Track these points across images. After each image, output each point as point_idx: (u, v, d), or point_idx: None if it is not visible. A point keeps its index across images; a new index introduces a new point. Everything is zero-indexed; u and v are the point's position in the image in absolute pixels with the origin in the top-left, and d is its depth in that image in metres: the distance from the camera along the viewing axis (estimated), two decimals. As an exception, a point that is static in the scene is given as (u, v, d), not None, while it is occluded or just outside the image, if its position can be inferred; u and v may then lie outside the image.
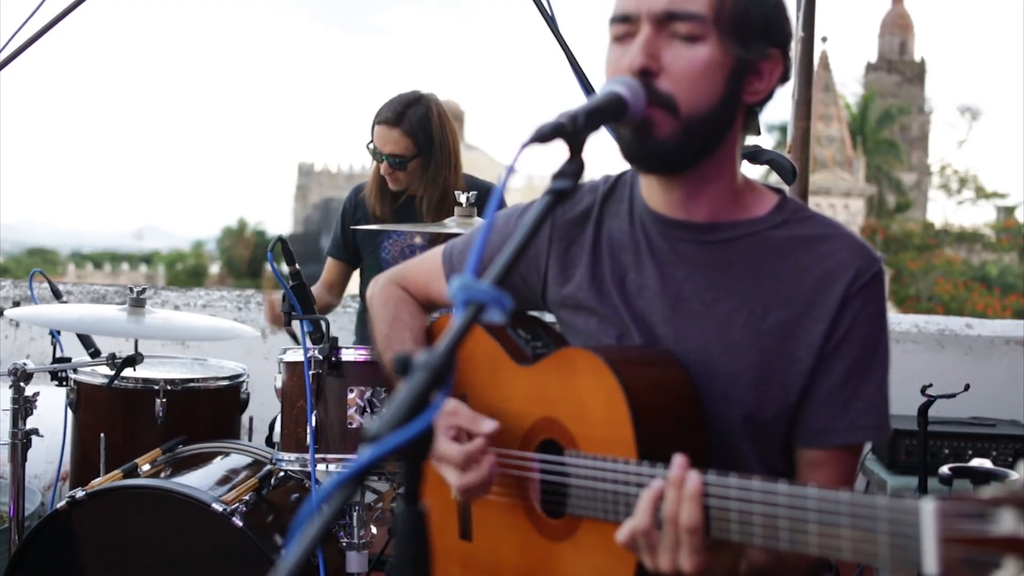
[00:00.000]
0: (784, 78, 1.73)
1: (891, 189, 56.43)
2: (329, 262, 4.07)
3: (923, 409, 3.72)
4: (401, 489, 1.21)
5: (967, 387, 3.78)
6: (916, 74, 64.32)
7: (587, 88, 3.12)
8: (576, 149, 1.49)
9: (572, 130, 1.46)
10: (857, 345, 1.69)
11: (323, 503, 1.04)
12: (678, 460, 1.48)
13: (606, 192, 1.88)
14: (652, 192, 1.79)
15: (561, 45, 3.21)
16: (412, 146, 3.74)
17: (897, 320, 5.33)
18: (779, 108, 1.80)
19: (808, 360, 1.69)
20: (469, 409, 1.81)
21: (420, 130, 3.75)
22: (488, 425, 1.75)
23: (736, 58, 1.64)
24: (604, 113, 1.53)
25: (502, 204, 2.50)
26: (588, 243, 1.86)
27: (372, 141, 3.80)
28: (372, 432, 1.10)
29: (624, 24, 1.66)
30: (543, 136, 1.44)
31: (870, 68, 64.06)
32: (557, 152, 1.50)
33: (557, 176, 1.48)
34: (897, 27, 65.22)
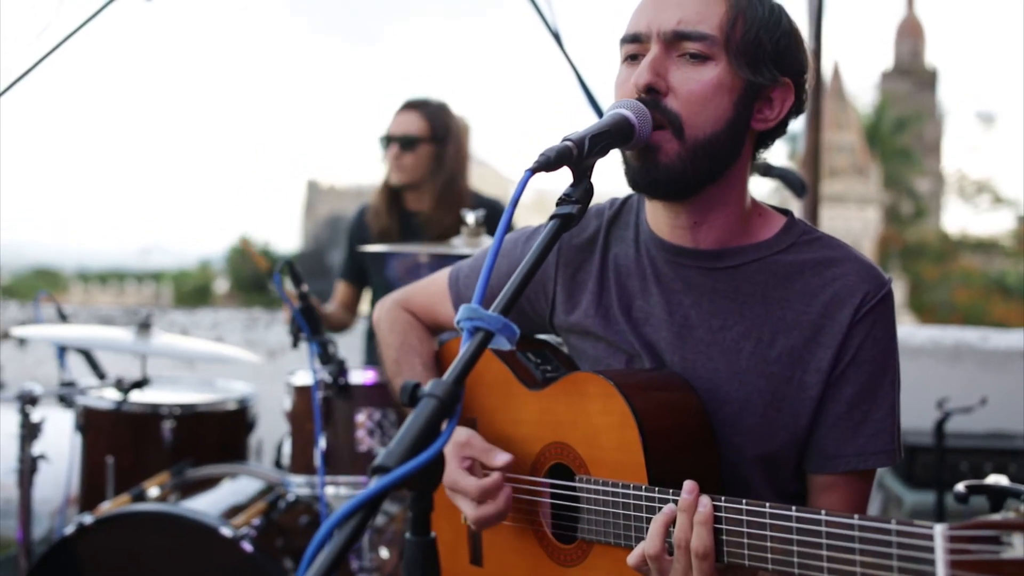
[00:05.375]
0: (797, 110, 1.71)
1: (906, 196, 56.30)
2: (340, 283, 4.07)
3: (940, 424, 3.69)
4: (410, 517, 1.19)
5: (984, 400, 3.75)
6: (929, 81, 64.25)
7: (594, 103, 3.10)
8: (582, 174, 1.47)
9: (578, 156, 1.45)
10: (865, 369, 1.66)
11: (333, 532, 1.02)
12: (689, 485, 1.47)
13: (611, 217, 1.86)
14: (658, 218, 1.77)
15: (567, 60, 3.19)
16: (426, 129, 3.78)
17: (912, 333, 5.29)
18: (789, 125, 1.77)
19: (817, 386, 1.66)
20: (482, 440, 1.79)
21: (437, 118, 3.80)
22: (502, 458, 1.74)
23: (745, 82, 1.62)
24: (610, 137, 1.51)
25: (510, 227, 2.48)
26: (595, 270, 1.84)
27: (386, 134, 3.82)
28: (380, 463, 1.08)
29: (634, 44, 1.65)
30: (548, 164, 1.42)
31: (885, 76, 63.99)
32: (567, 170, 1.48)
33: (562, 201, 1.46)
34: (910, 35, 65.20)
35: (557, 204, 1.47)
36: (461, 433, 1.81)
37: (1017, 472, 4.06)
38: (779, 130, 1.72)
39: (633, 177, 1.66)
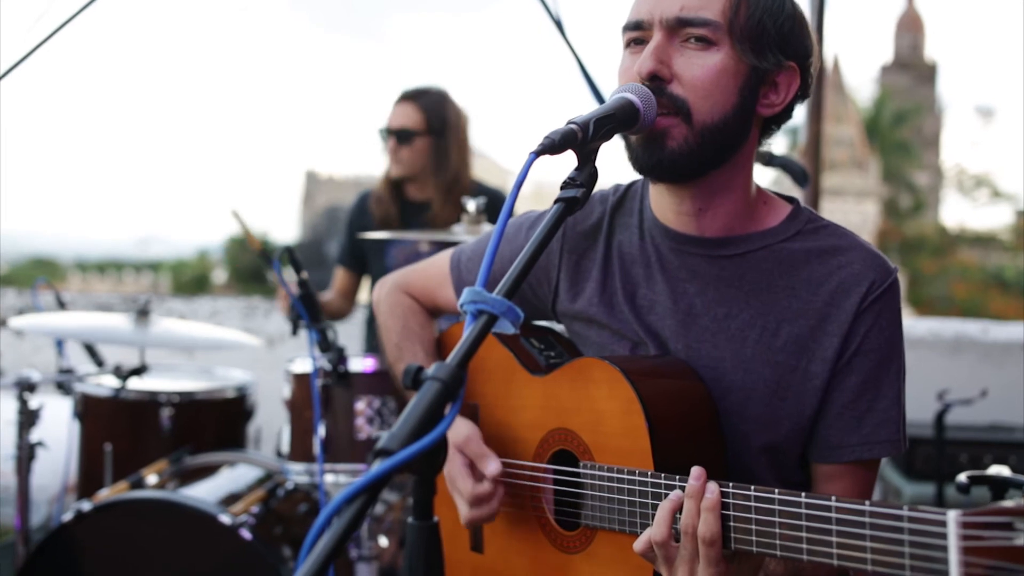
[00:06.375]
0: (803, 94, 1.70)
1: (905, 190, 56.30)
2: (339, 270, 4.06)
3: (940, 415, 3.68)
4: (412, 501, 1.18)
5: (984, 392, 3.75)
6: (928, 75, 64.19)
7: (596, 92, 3.09)
8: (586, 158, 1.46)
9: (583, 139, 1.43)
10: (871, 358, 1.65)
11: (333, 517, 1.01)
12: (696, 471, 1.46)
13: (615, 203, 1.85)
14: (662, 205, 1.75)
15: (569, 49, 3.17)
16: (422, 122, 3.75)
17: (912, 325, 5.28)
18: (795, 111, 1.76)
19: (822, 375, 1.65)
20: (479, 442, 1.80)
21: (433, 110, 3.77)
22: (492, 467, 1.75)
23: (750, 67, 1.61)
24: (615, 120, 1.49)
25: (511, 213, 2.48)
26: (599, 257, 1.83)
27: (385, 126, 3.81)
28: (383, 446, 1.06)
29: (637, 31, 1.63)
30: (553, 147, 1.41)
31: (885, 69, 63.93)
32: (570, 157, 1.47)
33: (567, 184, 1.45)
34: (909, 28, 65.13)
35: (561, 188, 1.46)
36: (462, 430, 1.81)
37: (1017, 464, 4.05)
38: (785, 115, 1.71)
39: (637, 160, 1.64)
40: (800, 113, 4.24)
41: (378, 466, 1.05)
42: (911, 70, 63.57)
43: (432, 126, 3.76)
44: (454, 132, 3.80)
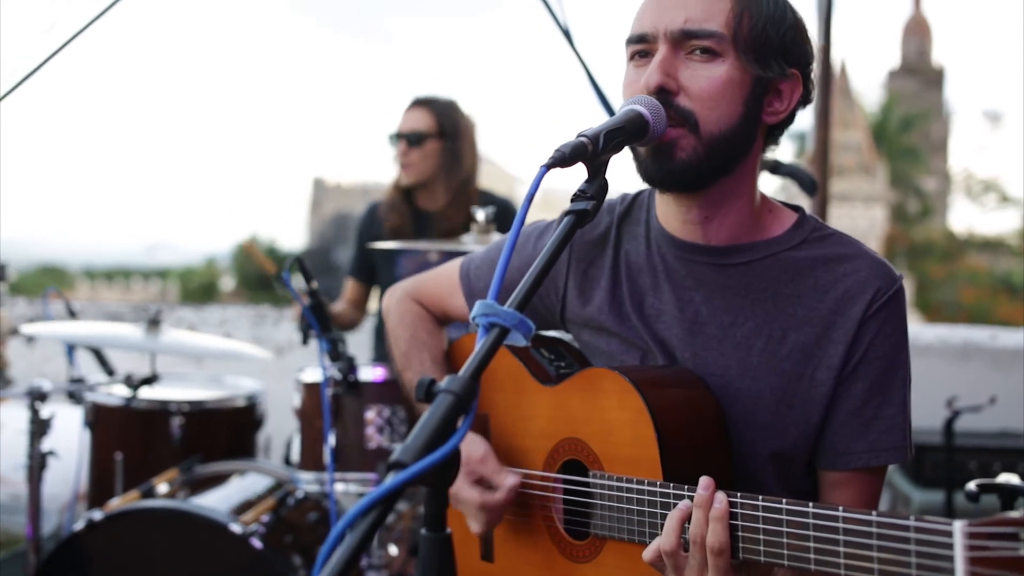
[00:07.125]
0: (805, 100, 1.71)
1: (913, 195, 56.15)
2: (349, 281, 4.07)
3: (949, 423, 3.68)
4: (424, 513, 1.19)
5: (993, 399, 3.74)
6: (936, 80, 64.04)
7: (604, 101, 3.10)
8: (596, 170, 1.47)
9: (593, 152, 1.45)
10: (877, 366, 1.66)
11: (347, 530, 1.02)
12: (705, 481, 1.47)
13: (623, 213, 1.86)
14: (668, 214, 1.77)
15: (577, 58, 3.18)
16: (434, 125, 3.78)
17: (921, 332, 5.29)
18: (797, 116, 1.78)
19: (828, 382, 1.66)
20: (496, 461, 1.82)
21: (445, 114, 3.80)
22: (511, 480, 1.79)
23: (754, 77, 1.62)
24: (625, 133, 1.51)
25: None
26: (607, 266, 1.84)
27: (395, 132, 3.83)
28: (396, 458, 1.07)
29: (641, 44, 1.65)
30: (564, 160, 1.43)
31: (892, 74, 63.83)
32: (579, 166, 1.48)
33: (577, 197, 1.46)
34: (916, 33, 65.02)
35: (572, 200, 1.47)
36: (478, 448, 1.83)
37: (1026, 471, 4.05)
38: (788, 121, 1.72)
39: (647, 170, 1.65)
40: (808, 119, 4.27)
41: (391, 479, 1.06)
42: (918, 75, 63.38)
43: (443, 129, 3.79)
44: (465, 136, 3.83)
